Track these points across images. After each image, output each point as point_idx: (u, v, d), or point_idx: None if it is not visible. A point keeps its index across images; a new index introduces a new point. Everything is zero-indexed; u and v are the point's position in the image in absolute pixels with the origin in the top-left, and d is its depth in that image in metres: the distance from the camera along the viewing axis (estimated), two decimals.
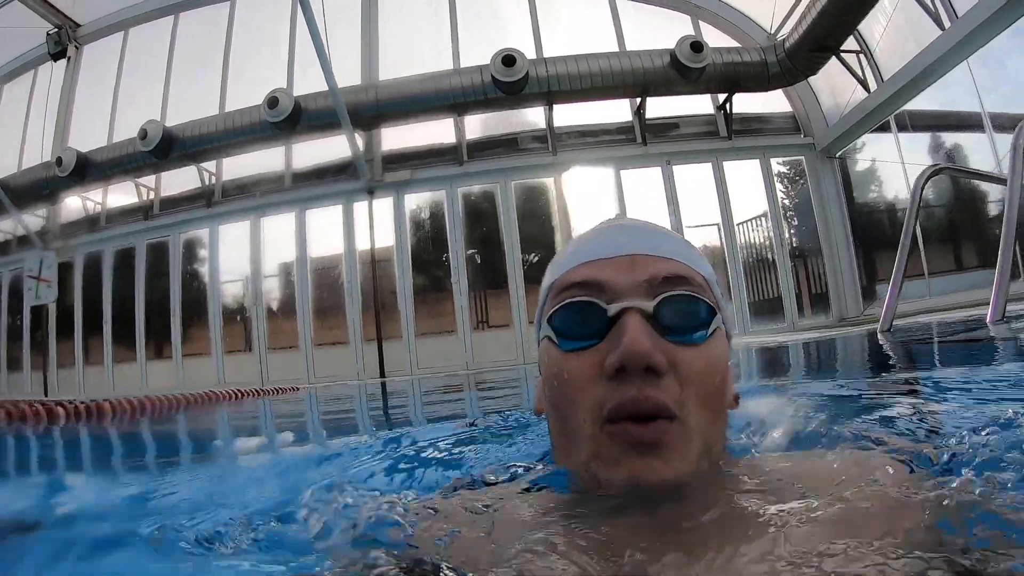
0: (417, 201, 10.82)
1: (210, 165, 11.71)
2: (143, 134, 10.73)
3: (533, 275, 10.69)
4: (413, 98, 9.80)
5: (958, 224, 9.49)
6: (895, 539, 0.54)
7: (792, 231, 11.00)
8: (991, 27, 7.15)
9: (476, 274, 10.67)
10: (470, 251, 10.61)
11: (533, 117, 10.71)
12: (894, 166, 9.85)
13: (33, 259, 11.97)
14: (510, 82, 9.39)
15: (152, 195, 12.34)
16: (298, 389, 8.45)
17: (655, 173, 10.43)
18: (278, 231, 11.37)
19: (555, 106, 10.17)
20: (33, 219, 12.90)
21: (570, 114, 10.41)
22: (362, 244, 10.89)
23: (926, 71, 8.22)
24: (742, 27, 10.65)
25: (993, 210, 8.93)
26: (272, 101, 9.93)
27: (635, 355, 0.63)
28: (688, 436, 0.66)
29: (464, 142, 10.63)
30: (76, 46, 13.07)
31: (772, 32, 10.30)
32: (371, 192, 10.61)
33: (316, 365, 11.05)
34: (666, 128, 10.75)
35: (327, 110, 9.57)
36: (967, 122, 9.22)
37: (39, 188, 11.86)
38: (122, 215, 12.53)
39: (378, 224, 10.78)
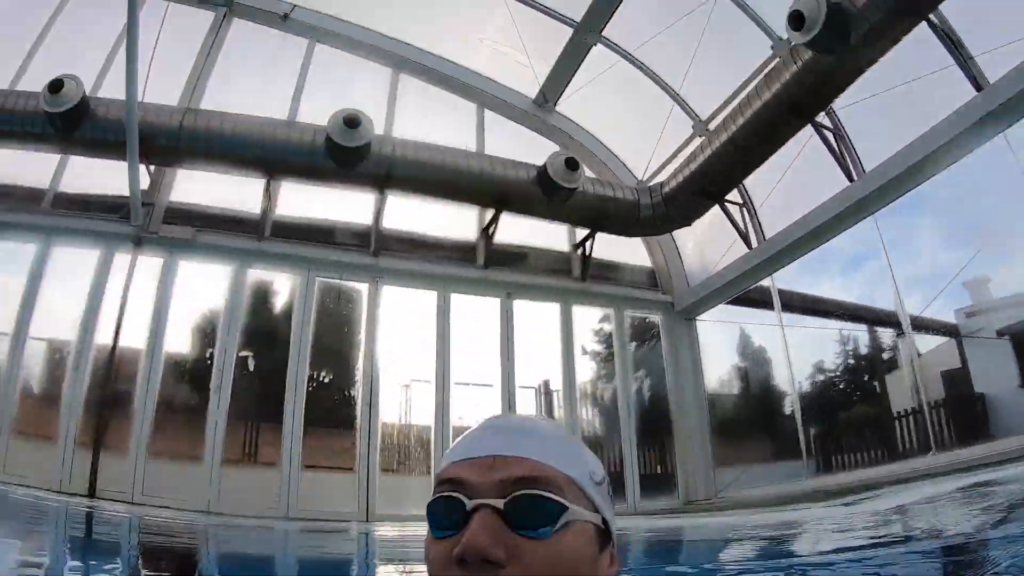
0: (193, 272, 8.40)
1: None
2: None
3: (318, 402, 8.28)
4: (226, 137, 7.75)
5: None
6: None
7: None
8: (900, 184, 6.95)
9: (246, 386, 8.13)
10: (244, 353, 8.15)
11: (358, 210, 8.92)
12: (742, 340, 9.09)
13: None
14: (348, 148, 7.69)
15: None
16: None
17: (492, 304, 8.85)
18: (8, 269, 8.36)
19: (388, 200, 8.60)
20: None
21: (402, 217, 8.83)
22: (110, 316, 8.18)
23: (819, 229, 7.79)
24: (613, 169, 9.96)
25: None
26: (56, 84, 7.35)
27: (471, 548, 0.72)
28: None
29: (271, 215, 8.61)
30: None
31: (643, 180, 9.64)
32: (139, 243, 8.14)
33: (8, 460, 7.69)
34: (513, 258, 9.39)
35: (118, 123, 7.17)
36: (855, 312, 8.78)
37: None
38: None
39: (137, 292, 8.19)
